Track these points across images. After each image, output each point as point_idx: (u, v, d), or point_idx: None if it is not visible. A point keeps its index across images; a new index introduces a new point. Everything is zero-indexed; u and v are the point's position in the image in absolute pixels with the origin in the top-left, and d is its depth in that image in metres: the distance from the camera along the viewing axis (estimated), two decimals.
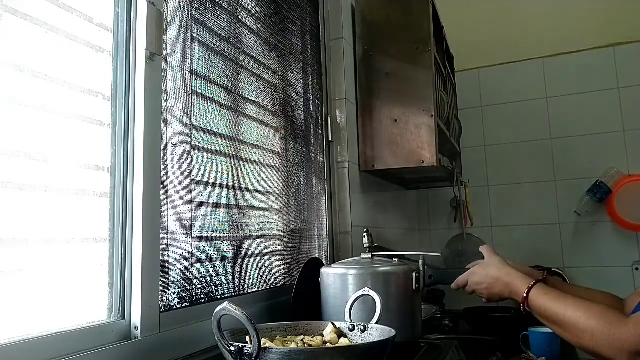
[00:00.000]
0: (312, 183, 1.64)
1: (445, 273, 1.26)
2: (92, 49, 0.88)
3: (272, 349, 0.74)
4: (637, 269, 2.31)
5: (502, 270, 1.13)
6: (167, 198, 0.99)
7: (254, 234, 1.29)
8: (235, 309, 0.71)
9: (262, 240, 1.33)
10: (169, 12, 1.04)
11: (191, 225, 1.06)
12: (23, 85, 0.75)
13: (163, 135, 0.98)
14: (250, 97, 1.33)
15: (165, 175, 0.98)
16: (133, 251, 0.89)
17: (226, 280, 1.16)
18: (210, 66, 1.18)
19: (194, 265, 1.05)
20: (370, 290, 0.96)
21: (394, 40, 1.86)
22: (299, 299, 1.21)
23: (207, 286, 1.09)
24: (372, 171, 1.87)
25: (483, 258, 1.20)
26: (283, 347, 0.79)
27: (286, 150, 1.49)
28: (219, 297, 1.12)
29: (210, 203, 1.13)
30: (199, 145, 1.11)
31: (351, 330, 0.93)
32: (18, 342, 0.69)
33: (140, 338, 0.87)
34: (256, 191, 1.32)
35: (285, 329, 0.96)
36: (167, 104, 1.01)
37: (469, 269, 1.21)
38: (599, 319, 0.91)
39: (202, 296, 1.07)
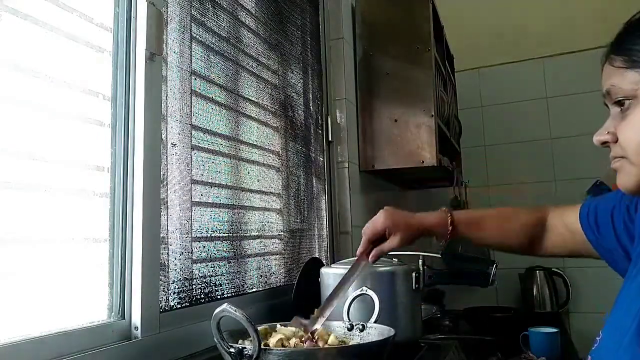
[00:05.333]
0: (312, 183, 1.63)
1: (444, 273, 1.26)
2: (92, 49, 0.88)
3: (272, 350, 0.73)
4: None
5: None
6: (167, 198, 0.99)
7: (254, 234, 1.29)
8: (235, 311, 0.71)
9: (262, 240, 1.33)
10: (169, 12, 1.04)
11: (191, 225, 1.06)
12: (23, 85, 0.75)
13: (163, 135, 0.98)
14: (250, 97, 1.33)
15: (165, 175, 0.98)
16: (133, 251, 0.89)
17: (226, 280, 1.16)
18: (210, 66, 1.18)
19: (194, 265, 1.05)
20: (368, 289, 0.96)
21: (394, 40, 1.86)
22: (299, 299, 1.21)
23: (207, 286, 1.09)
24: (372, 171, 1.87)
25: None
26: (283, 348, 0.78)
27: (286, 150, 1.49)
28: (219, 297, 1.12)
29: (210, 203, 1.13)
30: (199, 145, 1.11)
31: (349, 330, 0.93)
32: (18, 342, 0.69)
33: (140, 338, 0.87)
34: (256, 191, 1.32)
35: None
36: (167, 104, 1.01)
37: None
38: None
39: (202, 296, 1.07)
